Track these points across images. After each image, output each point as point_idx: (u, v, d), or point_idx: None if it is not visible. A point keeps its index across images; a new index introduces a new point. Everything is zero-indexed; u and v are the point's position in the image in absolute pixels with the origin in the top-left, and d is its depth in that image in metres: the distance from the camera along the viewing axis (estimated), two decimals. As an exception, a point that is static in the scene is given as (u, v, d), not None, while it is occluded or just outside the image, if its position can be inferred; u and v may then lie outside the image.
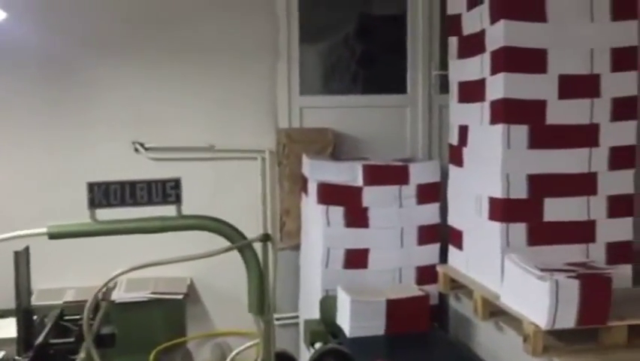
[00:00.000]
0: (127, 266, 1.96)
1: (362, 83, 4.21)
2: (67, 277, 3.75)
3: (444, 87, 4.13)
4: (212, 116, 3.96)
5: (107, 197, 1.88)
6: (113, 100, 3.84)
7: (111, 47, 3.81)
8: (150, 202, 1.93)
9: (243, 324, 3.97)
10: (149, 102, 3.88)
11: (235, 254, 4.00)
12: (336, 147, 3.99)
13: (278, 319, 3.82)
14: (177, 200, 1.95)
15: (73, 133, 3.81)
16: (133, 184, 1.91)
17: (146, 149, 3.86)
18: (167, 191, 1.93)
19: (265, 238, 2.06)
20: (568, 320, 2.50)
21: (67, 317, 2.86)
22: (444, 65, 4.10)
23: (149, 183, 1.92)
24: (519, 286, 2.70)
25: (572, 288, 2.48)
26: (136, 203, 1.91)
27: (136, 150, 3.86)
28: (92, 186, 1.88)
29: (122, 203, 1.89)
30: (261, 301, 2.06)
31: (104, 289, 3.64)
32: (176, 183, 1.94)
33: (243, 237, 2.04)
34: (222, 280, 4.00)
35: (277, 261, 2.17)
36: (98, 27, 3.78)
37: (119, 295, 3.63)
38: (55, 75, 3.76)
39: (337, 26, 4.17)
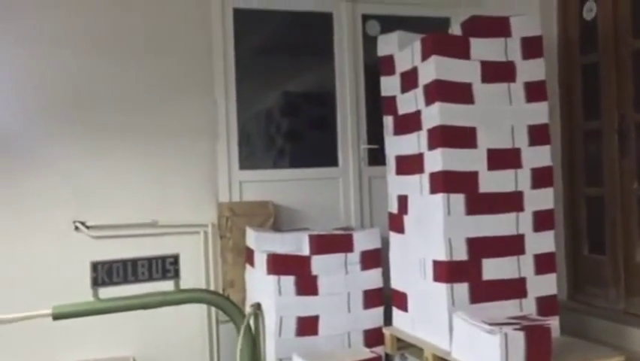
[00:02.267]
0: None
1: (297, 158, 4.46)
2: None
3: (372, 160, 4.48)
4: (154, 193, 4.02)
5: (110, 275, 1.93)
6: (52, 178, 3.82)
7: (52, 125, 3.83)
8: (150, 279, 2.00)
9: (188, 402, 3.97)
10: (90, 180, 3.89)
11: (176, 330, 4.02)
12: (276, 218, 4.16)
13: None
14: (176, 275, 2.03)
15: (10, 212, 3.72)
16: (134, 262, 1.98)
17: (88, 227, 3.83)
18: (167, 267, 2.02)
19: (257, 308, 2.18)
20: (516, 369, 2.77)
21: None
22: (370, 139, 4.47)
23: (149, 260, 2.00)
24: (469, 341, 2.94)
25: (518, 340, 2.76)
26: (137, 280, 1.98)
27: (76, 228, 3.82)
28: (95, 266, 1.92)
29: (125, 280, 1.96)
30: (255, 370, 2.15)
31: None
32: (175, 259, 2.04)
33: (238, 308, 2.14)
34: (165, 357, 3.97)
35: (264, 329, 2.28)
36: (39, 104, 3.80)
37: (61, 380, 3.50)
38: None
39: (274, 106, 4.44)
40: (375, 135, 4.32)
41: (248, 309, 2.14)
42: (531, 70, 3.33)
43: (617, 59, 3.62)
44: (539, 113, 3.35)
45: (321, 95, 4.58)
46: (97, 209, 3.88)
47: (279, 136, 4.46)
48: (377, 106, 4.02)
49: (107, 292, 2.16)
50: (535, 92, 3.35)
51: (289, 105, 4.48)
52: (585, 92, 3.93)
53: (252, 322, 2.16)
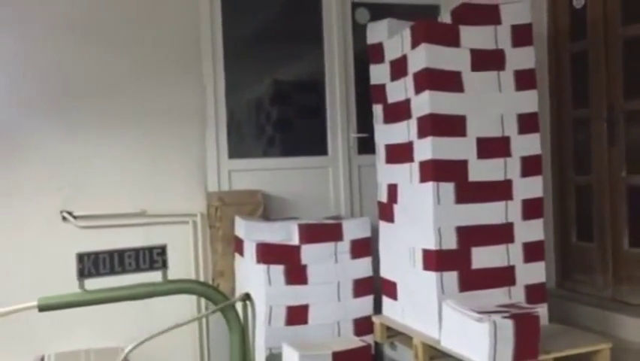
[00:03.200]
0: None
1: (287, 146, 4.43)
2: None
3: (361, 148, 4.47)
4: (143, 182, 3.98)
5: (97, 267, 1.91)
6: (38, 168, 3.77)
7: (38, 113, 3.77)
8: (138, 269, 1.98)
9: (178, 392, 3.96)
10: (77, 169, 3.84)
11: (165, 320, 4.00)
12: (265, 207, 4.14)
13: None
14: (164, 266, 2.02)
15: (-3, 202, 3.69)
16: (121, 253, 1.96)
17: (75, 217, 3.79)
18: (154, 257, 2.00)
19: (246, 298, 2.16)
20: (505, 356, 2.77)
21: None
22: (360, 128, 4.45)
23: (137, 251, 1.97)
24: (458, 329, 2.95)
25: (507, 327, 2.77)
26: (124, 271, 1.96)
27: (64, 218, 3.78)
28: (81, 257, 1.90)
29: (112, 272, 1.94)
30: (243, 360, 2.14)
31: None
32: (163, 250, 2.02)
33: (227, 298, 2.13)
34: (155, 347, 3.92)
35: (255, 319, 2.27)
36: (25, 93, 3.75)
37: (50, 371, 3.49)
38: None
39: (263, 94, 4.40)
40: (365, 124, 4.30)
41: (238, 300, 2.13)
42: (521, 58, 3.33)
43: (607, 47, 3.63)
44: (529, 101, 3.35)
45: (310, 83, 4.54)
46: (84, 199, 3.84)
47: (268, 125, 4.43)
48: (367, 94, 4.00)
49: (94, 284, 2.14)
50: (524, 80, 3.34)
51: (278, 93, 4.45)
52: (574, 80, 3.94)
53: (241, 312, 2.15)
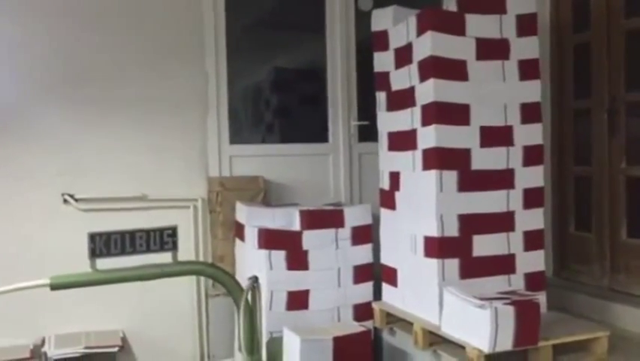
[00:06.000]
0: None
1: (288, 133, 4.44)
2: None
3: (362, 136, 4.48)
4: (144, 166, 3.98)
5: (108, 247, 1.92)
6: (41, 150, 3.77)
7: (41, 97, 3.77)
8: (148, 250, 1.99)
9: (177, 375, 3.99)
10: (79, 153, 3.85)
11: (165, 305, 4.03)
12: (266, 193, 4.15)
13: (216, 366, 3.89)
14: (174, 247, 2.03)
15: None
16: (132, 233, 1.96)
17: (77, 200, 3.79)
18: (165, 239, 2.01)
19: (254, 280, 2.18)
20: (506, 342, 2.81)
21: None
22: (361, 115, 4.47)
23: (147, 232, 1.98)
24: (459, 315, 2.98)
25: (508, 314, 2.80)
26: (135, 251, 1.97)
27: (65, 201, 3.78)
28: (93, 237, 1.91)
29: (123, 252, 1.94)
30: (252, 341, 2.15)
31: (31, 346, 3.50)
32: (174, 231, 2.02)
33: (235, 281, 2.14)
34: (155, 330, 3.98)
35: (261, 301, 2.29)
36: (28, 76, 3.73)
37: (50, 352, 3.50)
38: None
39: (265, 81, 4.40)
40: (366, 112, 4.32)
41: (246, 282, 2.15)
42: (525, 47, 3.34)
43: (609, 38, 3.65)
44: (532, 91, 3.37)
45: (312, 71, 4.55)
46: (86, 182, 3.84)
47: (269, 111, 4.44)
48: (368, 82, 4.00)
49: (104, 264, 2.15)
50: (528, 70, 3.35)
51: (280, 80, 4.46)
52: (576, 71, 3.96)
53: (249, 295, 2.16)
